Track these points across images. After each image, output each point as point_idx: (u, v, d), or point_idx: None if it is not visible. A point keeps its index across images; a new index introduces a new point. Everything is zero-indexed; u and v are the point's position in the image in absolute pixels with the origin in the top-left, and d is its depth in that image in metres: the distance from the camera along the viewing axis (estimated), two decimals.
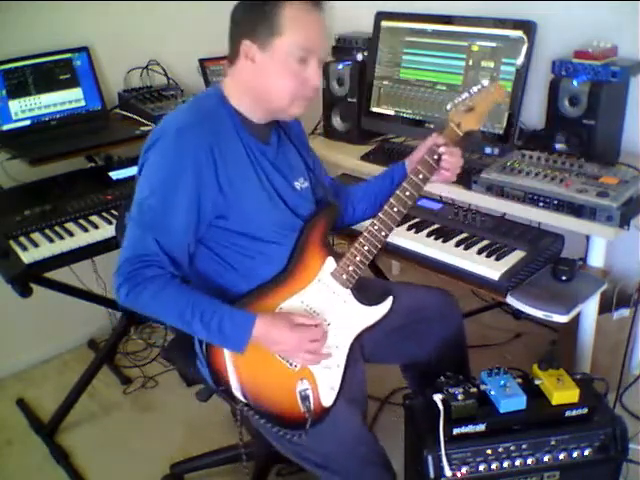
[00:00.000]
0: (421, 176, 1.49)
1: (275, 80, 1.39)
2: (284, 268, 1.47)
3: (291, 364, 1.43)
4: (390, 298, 1.52)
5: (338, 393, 1.46)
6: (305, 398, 1.42)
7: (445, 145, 1.50)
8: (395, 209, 1.48)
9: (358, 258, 1.47)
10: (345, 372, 1.47)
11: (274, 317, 1.39)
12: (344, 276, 1.48)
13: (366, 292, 1.52)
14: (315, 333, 1.40)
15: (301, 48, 1.37)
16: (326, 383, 1.45)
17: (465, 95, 1.52)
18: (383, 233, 1.47)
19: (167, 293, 1.34)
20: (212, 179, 1.37)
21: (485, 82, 1.54)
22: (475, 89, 1.52)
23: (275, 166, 1.49)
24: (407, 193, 1.48)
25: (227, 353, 1.40)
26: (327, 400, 1.45)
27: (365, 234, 1.47)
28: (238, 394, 1.41)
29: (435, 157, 1.50)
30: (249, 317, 1.35)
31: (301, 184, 1.56)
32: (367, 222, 1.52)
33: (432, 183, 1.55)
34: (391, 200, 1.48)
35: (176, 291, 1.35)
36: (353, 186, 1.78)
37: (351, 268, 1.47)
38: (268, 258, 1.46)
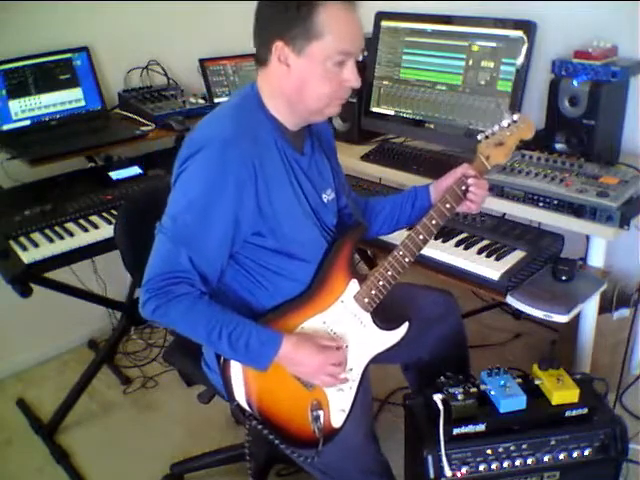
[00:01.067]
0: (448, 205, 1.48)
1: (314, 86, 1.34)
2: (308, 287, 1.45)
3: (306, 385, 1.42)
4: (406, 324, 1.52)
5: (348, 415, 1.45)
6: (317, 418, 1.41)
7: (474, 177, 1.49)
8: (421, 237, 1.47)
9: (381, 283, 1.46)
10: (357, 394, 1.47)
11: (299, 339, 1.37)
12: (366, 300, 1.47)
13: (383, 312, 1.51)
14: (338, 357, 1.39)
15: (341, 52, 1.31)
16: (338, 405, 1.45)
17: (496, 128, 1.51)
18: (407, 260, 1.46)
19: (196, 312, 1.31)
20: (252, 196, 1.32)
21: (516, 117, 1.52)
22: (505, 123, 1.51)
23: (308, 177, 1.45)
24: (433, 222, 1.47)
25: (243, 371, 1.38)
26: (337, 421, 1.45)
27: (390, 259, 1.46)
28: (251, 410, 1.41)
29: (463, 188, 1.50)
30: (276, 336, 1.34)
31: (328, 196, 1.52)
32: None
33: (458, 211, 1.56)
34: (418, 227, 1.47)
35: (205, 310, 1.32)
36: (372, 200, 1.74)
37: (374, 292, 1.46)
38: (294, 275, 1.44)
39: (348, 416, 1.46)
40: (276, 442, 1.42)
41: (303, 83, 1.34)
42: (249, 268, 1.43)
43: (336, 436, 1.44)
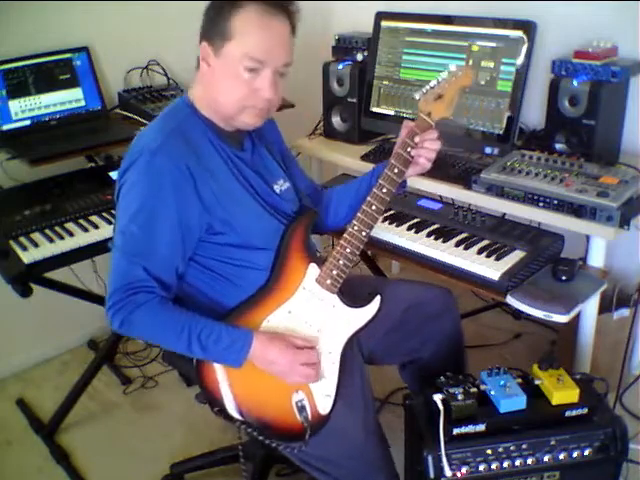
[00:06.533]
0: (396, 170, 1.45)
1: (224, 87, 1.36)
2: (267, 279, 1.45)
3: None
4: (378, 298, 1.49)
5: (335, 399, 1.45)
6: (302, 409, 1.41)
7: (417, 135, 1.46)
8: (373, 207, 1.45)
9: (341, 262, 1.45)
10: (340, 377, 1.46)
11: (271, 337, 1.38)
12: (328, 281, 1.45)
13: (356, 293, 1.51)
14: (309, 357, 1.39)
15: (249, 58, 1.32)
16: (321, 391, 1.44)
17: (433, 82, 1.47)
18: (364, 233, 1.45)
19: (161, 318, 1.34)
20: (193, 197, 1.34)
21: (452, 67, 1.48)
22: (443, 75, 1.47)
23: (253, 170, 1.47)
24: (384, 190, 1.45)
25: (221, 373, 1.39)
26: (324, 408, 1.44)
27: (346, 236, 1.45)
28: (234, 413, 1.41)
29: (409, 150, 1.46)
30: (246, 332, 1.35)
31: (281, 186, 1.54)
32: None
33: (411, 177, 1.54)
34: (368, 199, 1.45)
35: (169, 316, 1.35)
36: (333, 188, 1.76)
37: (335, 272, 1.45)
38: (261, 265, 1.45)
39: (335, 400, 1.44)
40: (266, 441, 1.42)
41: (218, 84, 1.36)
42: (215, 268, 1.44)
43: (325, 424, 1.43)
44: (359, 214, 1.45)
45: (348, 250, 1.45)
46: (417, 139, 1.46)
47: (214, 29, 1.34)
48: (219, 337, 1.33)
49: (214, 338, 1.33)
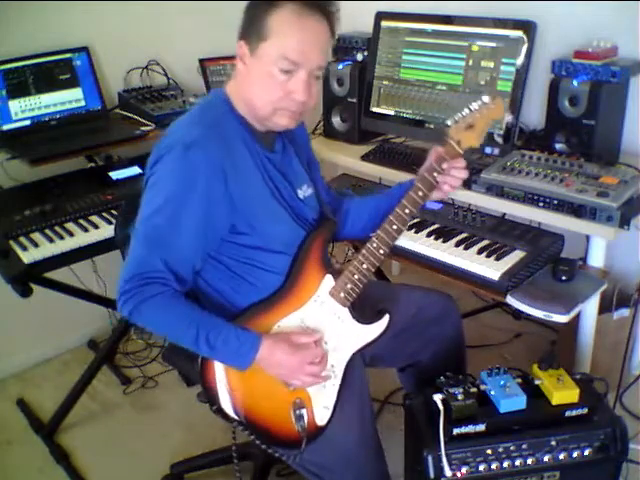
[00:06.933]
0: (420, 193, 1.45)
1: (258, 87, 1.34)
2: (282, 284, 1.45)
3: (287, 384, 1.41)
4: (387, 317, 1.50)
5: (332, 412, 1.45)
6: (300, 417, 1.41)
7: (445, 161, 1.46)
8: (394, 227, 1.44)
9: (356, 276, 1.44)
10: (340, 391, 1.46)
11: (275, 339, 1.37)
12: (342, 294, 1.45)
13: (364, 306, 1.50)
14: (315, 354, 1.39)
15: (284, 59, 1.29)
16: (321, 402, 1.44)
17: (465, 112, 1.47)
18: (381, 251, 1.44)
19: (171, 311, 1.33)
20: (223, 196, 1.33)
21: (485, 98, 1.47)
22: (475, 105, 1.47)
23: (282, 173, 1.46)
24: (406, 210, 1.44)
25: (221, 372, 1.39)
26: (322, 419, 1.44)
27: (364, 251, 1.44)
28: (231, 413, 1.41)
29: (435, 174, 1.46)
30: (255, 336, 1.34)
31: (304, 192, 1.53)
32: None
33: (432, 199, 1.53)
34: (390, 217, 1.45)
35: (181, 309, 1.34)
36: (353, 199, 1.75)
37: (349, 286, 1.45)
38: (278, 268, 1.45)
39: (333, 413, 1.44)
40: (260, 444, 1.42)
41: (252, 84, 1.35)
42: (231, 266, 1.44)
43: (321, 434, 1.43)
44: (379, 232, 1.45)
45: (365, 266, 1.44)
46: (445, 165, 1.46)
47: (251, 28, 1.31)
48: (227, 338, 1.32)
49: (223, 339, 1.31)
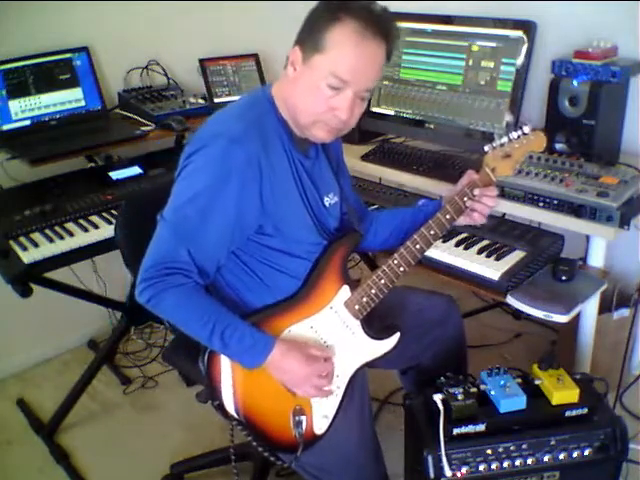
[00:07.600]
0: (448, 216, 1.45)
1: (303, 96, 1.33)
2: (299, 289, 1.44)
3: (290, 390, 1.41)
4: (397, 334, 1.51)
5: (332, 422, 1.45)
6: (298, 424, 1.40)
7: (477, 187, 1.46)
8: (417, 246, 1.44)
9: (373, 291, 1.44)
10: (342, 402, 1.46)
11: (289, 346, 1.36)
12: (356, 307, 1.45)
13: (374, 319, 1.50)
14: (324, 368, 1.39)
15: (335, 76, 1.28)
16: (321, 411, 1.44)
17: (504, 140, 1.46)
18: (401, 269, 1.44)
19: (190, 304, 1.32)
20: (256, 196, 1.32)
21: (526, 129, 1.46)
22: (515, 135, 1.46)
23: (310, 178, 1.45)
24: (432, 232, 1.44)
25: (227, 367, 1.39)
26: (320, 428, 1.44)
27: (384, 268, 1.44)
28: (232, 410, 1.41)
29: (465, 199, 1.46)
30: (269, 339, 1.34)
31: (330, 200, 1.52)
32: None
33: (459, 224, 1.52)
34: (415, 237, 1.45)
35: (200, 303, 1.33)
36: (378, 211, 1.74)
37: (365, 300, 1.45)
38: (294, 272, 1.44)
39: (332, 423, 1.45)
40: (257, 446, 1.42)
41: (298, 92, 1.34)
42: (250, 264, 1.43)
43: (317, 442, 1.43)
44: (402, 249, 1.44)
45: (382, 282, 1.44)
46: (477, 192, 1.46)
47: (309, 37, 1.29)
48: (242, 336, 1.31)
49: (238, 336, 1.31)
